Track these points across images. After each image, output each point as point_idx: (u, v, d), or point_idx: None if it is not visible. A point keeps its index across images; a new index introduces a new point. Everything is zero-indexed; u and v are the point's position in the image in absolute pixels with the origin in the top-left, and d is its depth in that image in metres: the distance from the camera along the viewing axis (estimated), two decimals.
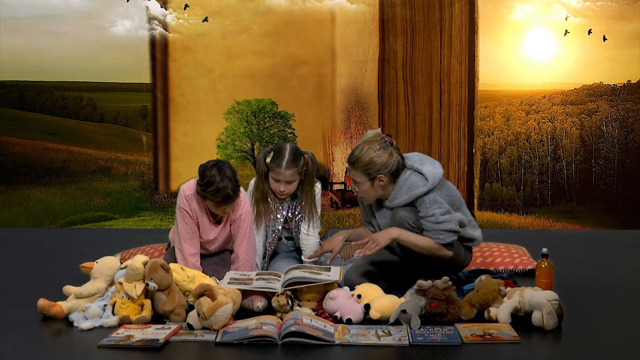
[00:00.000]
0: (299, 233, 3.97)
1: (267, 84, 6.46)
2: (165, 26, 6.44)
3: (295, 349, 2.87)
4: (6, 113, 6.84)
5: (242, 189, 3.71)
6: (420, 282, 3.18)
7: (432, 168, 3.55)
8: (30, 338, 3.03)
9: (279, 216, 3.95)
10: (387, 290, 3.37)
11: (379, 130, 3.65)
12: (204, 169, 3.57)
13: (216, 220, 3.76)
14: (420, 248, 3.50)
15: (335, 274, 3.44)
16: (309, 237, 3.95)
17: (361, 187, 3.59)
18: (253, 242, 3.82)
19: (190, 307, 3.20)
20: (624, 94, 6.36)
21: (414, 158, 3.62)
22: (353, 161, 3.56)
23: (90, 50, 6.62)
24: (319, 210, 3.99)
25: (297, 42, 6.41)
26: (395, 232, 3.50)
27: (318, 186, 4.01)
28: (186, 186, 3.70)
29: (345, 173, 6.57)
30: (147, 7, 6.46)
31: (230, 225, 3.77)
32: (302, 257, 3.96)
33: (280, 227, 3.96)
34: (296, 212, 3.95)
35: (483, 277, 3.34)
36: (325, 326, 3.04)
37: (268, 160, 3.82)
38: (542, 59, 6.44)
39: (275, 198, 3.93)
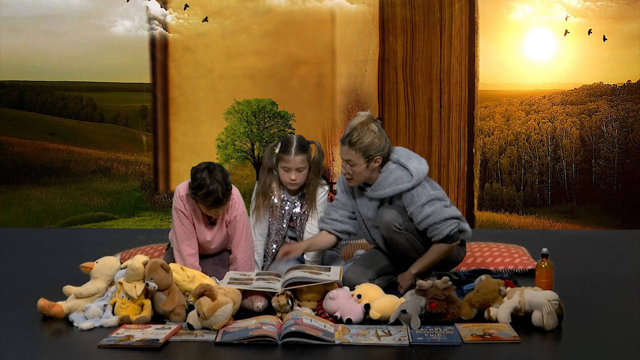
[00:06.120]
0: (303, 233, 3.96)
1: (267, 84, 6.46)
2: (165, 26, 6.43)
3: (295, 349, 2.87)
4: (6, 113, 6.84)
5: (235, 190, 3.70)
6: (420, 282, 3.18)
7: (417, 164, 3.52)
8: (30, 338, 3.03)
9: (284, 213, 3.94)
10: (386, 290, 3.38)
11: (369, 112, 3.59)
12: (195, 172, 3.56)
13: (210, 221, 3.76)
14: (436, 260, 3.53)
15: (335, 274, 3.44)
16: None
17: (356, 169, 3.52)
18: (251, 243, 3.82)
19: (190, 307, 3.20)
20: (624, 94, 6.35)
21: (401, 152, 3.58)
22: (354, 142, 3.48)
23: (90, 50, 6.61)
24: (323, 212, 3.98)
25: (297, 42, 6.41)
26: (413, 270, 3.53)
27: (325, 188, 4.01)
28: (181, 187, 3.70)
29: None
30: (147, 7, 6.45)
31: (226, 226, 3.77)
32: (304, 257, 3.96)
33: (285, 226, 3.96)
34: (301, 210, 3.94)
35: (483, 277, 3.35)
36: (325, 326, 3.04)
37: (276, 151, 3.82)
38: (542, 59, 6.43)
39: (281, 196, 3.93)
